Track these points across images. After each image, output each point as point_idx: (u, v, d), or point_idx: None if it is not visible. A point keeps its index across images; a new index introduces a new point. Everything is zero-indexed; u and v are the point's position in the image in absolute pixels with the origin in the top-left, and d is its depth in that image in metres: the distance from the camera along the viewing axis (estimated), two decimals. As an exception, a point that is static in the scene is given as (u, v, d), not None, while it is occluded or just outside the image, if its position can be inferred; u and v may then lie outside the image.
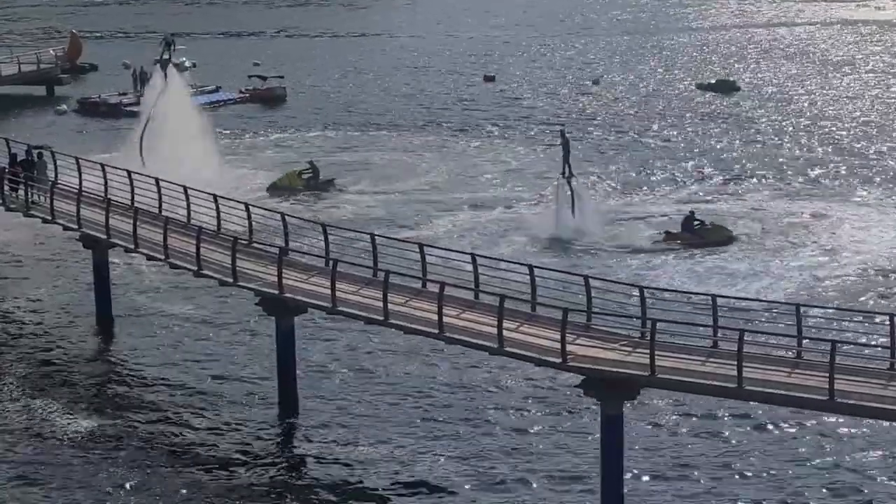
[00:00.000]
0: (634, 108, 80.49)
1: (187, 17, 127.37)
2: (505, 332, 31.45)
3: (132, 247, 40.14)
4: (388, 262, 36.00)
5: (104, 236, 41.02)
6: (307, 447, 34.52)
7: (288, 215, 40.19)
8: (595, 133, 73.31)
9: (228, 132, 72.56)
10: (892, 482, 32.05)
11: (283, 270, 35.56)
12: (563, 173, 53.36)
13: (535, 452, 33.66)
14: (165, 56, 66.93)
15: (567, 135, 54.80)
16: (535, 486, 32.02)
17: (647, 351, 29.71)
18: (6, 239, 52.03)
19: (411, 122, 76.52)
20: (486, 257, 36.58)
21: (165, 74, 67.09)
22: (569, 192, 53.08)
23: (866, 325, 37.37)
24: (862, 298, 44.49)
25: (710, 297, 32.39)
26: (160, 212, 41.53)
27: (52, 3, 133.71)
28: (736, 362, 28.93)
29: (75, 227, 42.04)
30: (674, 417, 35.32)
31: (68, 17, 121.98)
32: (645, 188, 60.62)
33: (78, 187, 43.59)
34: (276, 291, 35.53)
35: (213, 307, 44.49)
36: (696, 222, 51.89)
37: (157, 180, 43.85)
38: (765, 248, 50.54)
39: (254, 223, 39.92)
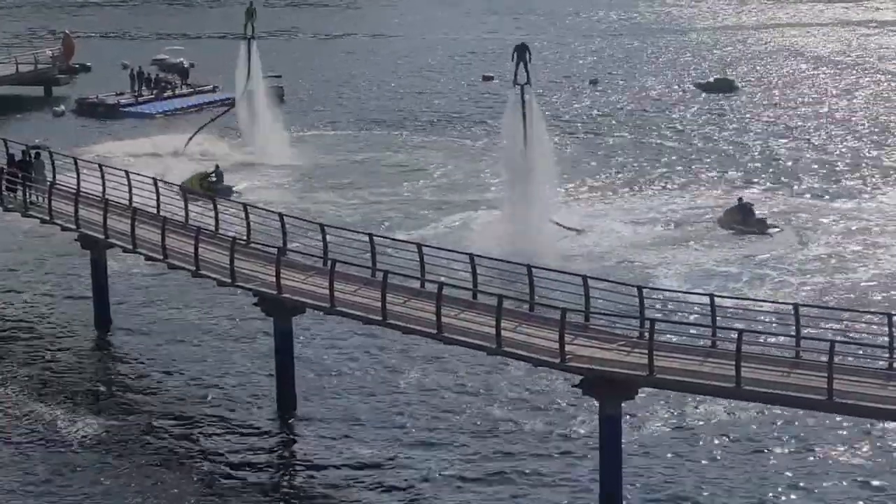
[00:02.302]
0: (633, 108, 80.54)
1: (184, 16, 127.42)
2: (503, 332, 31.44)
3: (130, 247, 40.13)
4: (387, 262, 36.00)
5: (102, 237, 41.00)
6: (305, 447, 34.51)
7: (286, 215, 40.20)
8: (593, 133, 73.35)
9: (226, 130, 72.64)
10: (891, 482, 32.06)
11: (282, 270, 35.55)
12: (517, 80, 53.02)
13: (533, 452, 33.64)
14: (249, 31, 67.59)
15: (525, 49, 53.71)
16: (533, 485, 32.00)
17: (646, 351, 29.72)
18: (4, 239, 52.07)
19: (408, 121, 76.55)
20: (484, 257, 36.58)
21: (249, 52, 67.72)
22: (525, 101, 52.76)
23: (865, 325, 37.36)
24: (861, 298, 44.46)
25: (708, 297, 32.41)
26: (158, 212, 41.52)
27: (43, 2, 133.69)
28: (734, 362, 28.94)
29: (73, 227, 42.03)
30: (672, 417, 35.31)
31: (60, 17, 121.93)
32: (643, 187, 60.62)
33: (76, 187, 43.58)
34: (275, 291, 35.52)
35: (211, 307, 44.49)
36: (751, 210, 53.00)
37: (154, 180, 43.90)
38: (761, 247, 50.52)
39: (252, 223, 39.91)
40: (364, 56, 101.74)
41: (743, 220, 52.59)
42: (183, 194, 41.34)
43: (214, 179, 58.86)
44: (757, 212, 53.24)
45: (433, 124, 75.99)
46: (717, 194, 58.98)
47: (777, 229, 52.45)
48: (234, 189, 58.62)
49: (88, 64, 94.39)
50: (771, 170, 64.07)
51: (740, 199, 54.39)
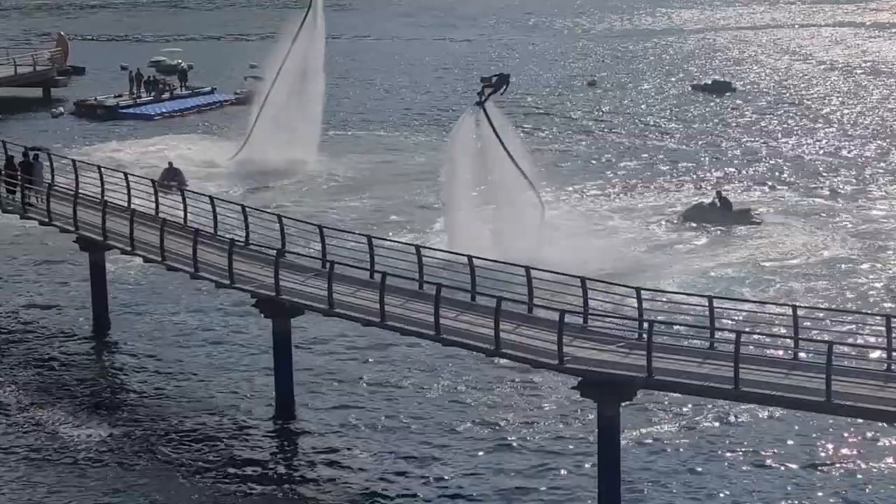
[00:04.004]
0: (631, 109, 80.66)
1: (181, 18, 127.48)
2: (502, 334, 31.42)
3: (129, 249, 40.13)
4: (385, 263, 36.01)
5: (101, 238, 41.00)
6: (304, 449, 34.52)
7: (285, 217, 40.20)
8: (591, 134, 73.43)
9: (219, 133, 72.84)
10: (889, 484, 32.09)
11: (280, 272, 35.55)
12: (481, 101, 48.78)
13: (532, 454, 33.65)
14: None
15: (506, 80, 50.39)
16: (531, 487, 32.00)
17: (644, 352, 29.73)
18: (3, 241, 52.09)
19: (407, 123, 76.64)
20: (482, 259, 36.57)
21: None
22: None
23: (863, 326, 37.39)
24: (857, 299, 44.49)
25: (706, 299, 32.45)
26: (157, 214, 41.54)
27: (39, 5, 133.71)
28: (733, 364, 28.95)
29: (72, 229, 42.02)
30: (670, 419, 35.33)
31: (56, 20, 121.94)
32: (640, 188, 60.65)
33: (75, 189, 43.60)
34: (273, 293, 35.53)
35: (210, 309, 44.48)
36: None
37: (153, 182, 43.93)
38: (755, 249, 50.50)
39: (250, 225, 39.90)
40: (362, 58, 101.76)
41: (722, 213, 52.91)
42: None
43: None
44: (735, 203, 54.04)
45: (432, 126, 76.03)
46: (714, 195, 59.00)
47: (758, 221, 52.80)
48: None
49: (82, 66, 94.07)
50: (767, 170, 64.13)
51: (718, 192, 54.92)
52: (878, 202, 57.95)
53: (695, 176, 63.14)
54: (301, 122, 66.86)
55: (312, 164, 64.63)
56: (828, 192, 59.70)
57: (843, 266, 48.24)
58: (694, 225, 52.97)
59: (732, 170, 64.48)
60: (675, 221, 53.79)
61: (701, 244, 50.95)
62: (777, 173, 63.61)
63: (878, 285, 46.24)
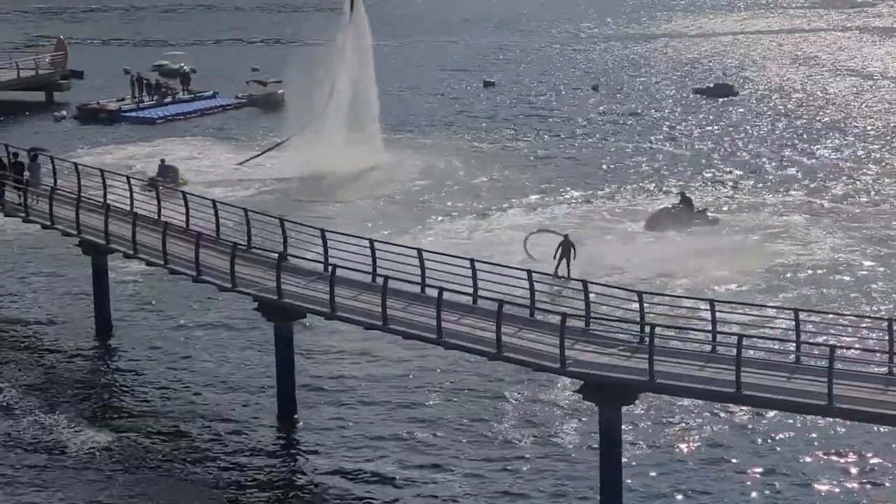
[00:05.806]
0: (633, 113, 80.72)
1: (183, 22, 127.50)
2: (504, 338, 31.46)
3: (131, 252, 40.15)
4: (387, 267, 36.01)
5: (103, 242, 41.00)
6: (306, 452, 34.52)
7: (287, 220, 40.20)
8: (594, 137, 73.46)
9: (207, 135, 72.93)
10: (888, 485, 32.10)
11: (282, 276, 35.57)
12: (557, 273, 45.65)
13: (533, 457, 33.67)
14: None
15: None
16: (533, 489, 32.02)
17: (646, 356, 29.74)
18: (4, 244, 52.14)
19: (409, 124, 76.68)
20: (484, 262, 36.59)
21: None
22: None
23: (865, 330, 37.39)
24: (858, 303, 44.48)
25: (708, 302, 32.45)
26: (159, 217, 41.55)
27: (41, 9, 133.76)
28: (734, 367, 28.96)
29: (74, 232, 42.03)
30: (672, 422, 35.33)
31: (58, 24, 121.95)
32: (640, 191, 60.66)
33: (77, 193, 43.59)
34: (275, 297, 35.55)
35: (212, 313, 44.49)
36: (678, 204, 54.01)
37: (154, 185, 43.89)
38: (754, 251, 50.49)
39: (252, 228, 39.91)
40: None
41: (687, 215, 52.89)
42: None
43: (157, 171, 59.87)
44: (697, 205, 54.31)
45: (434, 127, 76.06)
46: (713, 197, 59.08)
47: (714, 221, 53.26)
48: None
49: (81, 70, 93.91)
50: (766, 173, 64.15)
51: (682, 193, 54.90)
52: (878, 205, 57.95)
53: (695, 179, 63.12)
54: (363, 124, 67.54)
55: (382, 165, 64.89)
56: (827, 195, 59.69)
57: (842, 268, 48.26)
58: (659, 232, 52.55)
59: (731, 171, 64.44)
60: (641, 228, 53.32)
61: (659, 248, 50.77)
62: (773, 175, 63.59)
63: (879, 288, 46.23)
